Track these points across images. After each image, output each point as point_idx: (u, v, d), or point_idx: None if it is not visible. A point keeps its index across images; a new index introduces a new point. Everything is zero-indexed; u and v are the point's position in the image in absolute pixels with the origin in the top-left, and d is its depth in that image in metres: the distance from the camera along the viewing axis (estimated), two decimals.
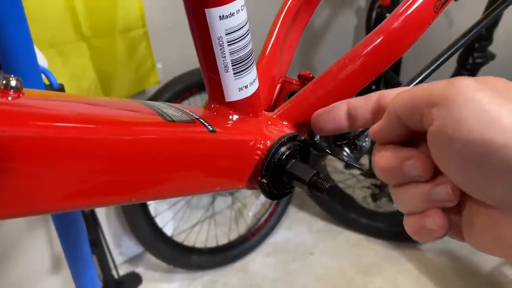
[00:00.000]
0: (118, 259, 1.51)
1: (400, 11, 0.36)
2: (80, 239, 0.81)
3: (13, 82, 0.21)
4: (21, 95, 0.22)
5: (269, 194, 0.34)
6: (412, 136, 0.27)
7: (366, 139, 0.41)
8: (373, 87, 1.71)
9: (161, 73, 1.34)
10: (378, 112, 0.30)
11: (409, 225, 0.27)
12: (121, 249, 1.54)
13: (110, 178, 0.24)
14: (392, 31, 0.35)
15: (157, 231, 1.42)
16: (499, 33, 1.12)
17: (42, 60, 0.68)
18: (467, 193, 0.24)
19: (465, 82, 0.23)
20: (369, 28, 1.46)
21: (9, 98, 0.21)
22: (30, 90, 0.23)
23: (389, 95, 0.29)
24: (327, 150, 0.39)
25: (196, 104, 1.45)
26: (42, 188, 0.22)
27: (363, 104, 0.30)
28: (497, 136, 0.21)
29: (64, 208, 0.24)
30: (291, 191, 0.35)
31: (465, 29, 0.46)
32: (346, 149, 0.40)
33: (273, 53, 0.41)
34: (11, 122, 0.20)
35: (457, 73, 1.17)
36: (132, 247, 1.55)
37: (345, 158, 0.40)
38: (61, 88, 0.65)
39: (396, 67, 1.63)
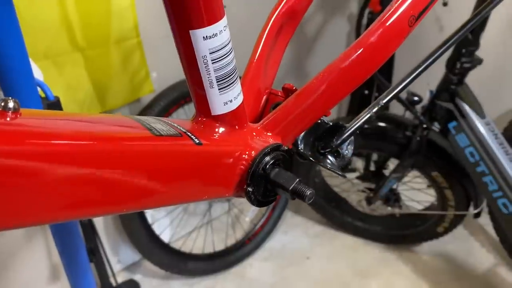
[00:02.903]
0: (116, 267, 1.52)
1: (377, 26, 0.38)
2: (78, 248, 0.82)
3: (10, 104, 0.23)
4: (18, 115, 0.23)
5: (254, 202, 0.36)
6: None
7: (349, 146, 0.43)
8: (366, 92, 1.74)
9: (155, 81, 1.36)
10: None
11: None
12: (119, 257, 1.55)
13: (101, 191, 0.26)
14: (368, 45, 0.37)
15: (154, 238, 1.43)
16: (485, 39, 1.14)
17: (37, 73, 0.70)
18: None
19: None
20: (358, 34, 1.48)
21: (7, 119, 0.23)
22: (27, 110, 0.25)
23: None
24: (311, 158, 0.41)
25: (191, 112, 1.47)
26: (38, 200, 0.23)
27: None
28: None
29: (60, 219, 0.25)
30: (276, 197, 0.37)
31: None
32: (330, 157, 0.42)
33: (259, 66, 0.43)
34: (9, 141, 0.22)
35: (446, 77, 1.20)
36: (129, 254, 1.56)
37: (328, 165, 0.42)
38: (56, 101, 0.67)
39: (388, 71, 1.65)
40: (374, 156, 1.62)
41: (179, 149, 0.31)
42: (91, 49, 1.16)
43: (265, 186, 0.35)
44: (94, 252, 1.13)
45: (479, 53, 1.17)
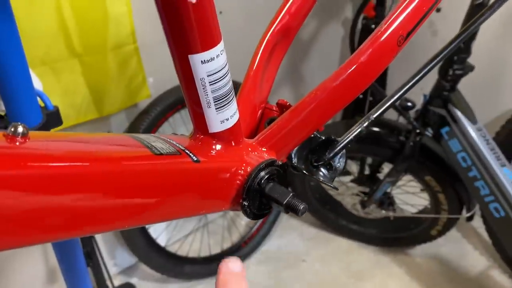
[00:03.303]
0: (113, 270, 1.53)
1: (367, 46, 0.40)
2: (75, 252, 0.83)
3: (20, 129, 0.25)
4: (27, 140, 0.25)
5: (250, 215, 0.37)
6: None
7: (341, 159, 0.44)
8: (361, 96, 1.76)
9: (152, 87, 1.37)
10: None
11: None
12: (115, 260, 1.56)
13: (104, 209, 0.27)
14: (359, 65, 0.39)
15: (151, 242, 1.44)
16: (476, 46, 1.16)
17: (37, 83, 0.71)
18: None
19: None
20: (352, 40, 1.50)
21: (17, 143, 0.25)
22: (35, 133, 0.26)
23: None
24: (305, 172, 0.43)
25: (187, 117, 1.48)
26: (46, 220, 0.25)
27: None
28: None
29: (65, 237, 0.27)
30: (270, 211, 0.39)
31: (449, 38, 0.50)
32: (323, 170, 0.44)
33: (255, 82, 0.44)
34: (17, 165, 0.24)
35: (439, 84, 1.22)
36: (126, 258, 1.57)
37: (321, 178, 0.43)
38: (55, 111, 0.68)
39: (382, 76, 1.67)
40: (369, 160, 1.64)
41: (179, 167, 0.32)
42: (88, 55, 1.17)
43: (260, 200, 0.37)
44: (91, 256, 1.14)
45: (471, 59, 1.20)
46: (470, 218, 1.40)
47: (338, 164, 0.44)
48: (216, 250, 1.61)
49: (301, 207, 0.35)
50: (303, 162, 0.43)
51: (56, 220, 0.25)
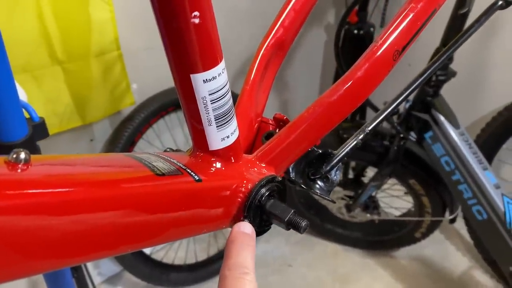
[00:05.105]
0: (97, 279, 1.51)
1: (363, 61, 0.40)
2: None
3: (22, 155, 0.24)
4: (29, 166, 0.24)
5: None
6: None
7: (337, 172, 0.45)
8: None
9: (136, 93, 1.35)
10: None
11: None
12: (100, 269, 1.53)
13: (106, 234, 0.27)
14: (356, 80, 0.39)
15: (136, 251, 1.42)
16: (459, 51, 1.18)
17: (22, 94, 0.69)
18: None
19: None
20: (337, 46, 1.51)
21: (18, 171, 0.24)
22: (37, 158, 0.26)
23: None
24: (302, 186, 0.43)
25: (172, 123, 1.47)
26: (49, 249, 0.24)
27: None
28: None
29: (66, 265, 0.26)
30: (270, 227, 0.39)
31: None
32: (319, 183, 0.44)
33: (250, 96, 0.44)
34: (17, 194, 0.23)
35: (422, 89, 1.24)
36: (110, 266, 1.54)
37: (318, 192, 0.43)
38: (41, 122, 0.67)
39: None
40: (352, 163, 1.65)
41: (181, 187, 0.32)
42: (71, 62, 1.15)
43: (260, 216, 0.37)
44: (76, 267, 1.11)
45: (453, 64, 1.22)
46: (453, 220, 1.43)
47: (335, 177, 0.44)
48: (202, 257, 1.60)
49: (303, 224, 0.35)
50: (300, 176, 0.43)
51: (61, 247, 0.25)
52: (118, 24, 1.19)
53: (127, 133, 1.30)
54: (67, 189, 0.25)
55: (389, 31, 0.40)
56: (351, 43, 1.52)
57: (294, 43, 0.49)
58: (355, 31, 1.54)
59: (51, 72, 1.13)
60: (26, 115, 0.68)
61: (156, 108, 1.36)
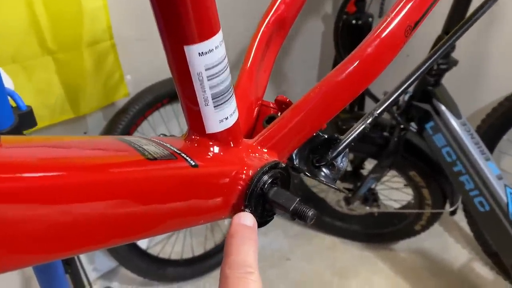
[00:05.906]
0: (92, 275, 1.48)
1: (373, 37, 0.37)
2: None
3: None
4: None
5: None
6: None
7: (344, 159, 0.42)
8: None
9: (130, 85, 1.32)
10: None
11: None
12: (95, 265, 1.50)
13: (90, 224, 0.24)
14: (365, 57, 0.36)
15: (132, 245, 1.39)
16: (460, 41, 1.16)
17: (7, 81, 0.66)
18: None
19: None
20: (336, 36, 1.48)
21: None
22: (7, 138, 0.22)
23: None
24: (307, 173, 0.40)
25: (167, 115, 1.43)
26: (28, 241, 0.21)
27: None
28: None
29: (52, 258, 0.23)
30: (273, 217, 0.35)
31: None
32: (324, 170, 0.41)
33: (250, 78, 0.41)
34: None
35: (423, 78, 1.21)
36: (105, 262, 1.51)
37: (324, 179, 0.40)
38: (29, 111, 0.63)
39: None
40: (350, 156, 1.63)
41: (175, 173, 0.29)
42: (62, 52, 1.11)
43: (263, 206, 0.34)
44: (69, 262, 1.08)
45: (454, 54, 1.19)
46: (453, 212, 1.41)
47: (341, 164, 0.41)
48: (199, 251, 1.57)
49: (310, 213, 0.32)
50: (304, 162, 0.40)
51: (39, 238, 0.21)
52: (110, 12, 1.15)
53: (121, 125, 1.27)
54: (41, 173, 0.21)
55: (401, 4, 0.37)
56: (349, 33, 1.49)
57: (290, 32, 0.46)
58: (353, 21, 1.51)
59: (42, 62, 1.09)
60: (13, 103, 0.65)
61: (151, 100, 1.33)
